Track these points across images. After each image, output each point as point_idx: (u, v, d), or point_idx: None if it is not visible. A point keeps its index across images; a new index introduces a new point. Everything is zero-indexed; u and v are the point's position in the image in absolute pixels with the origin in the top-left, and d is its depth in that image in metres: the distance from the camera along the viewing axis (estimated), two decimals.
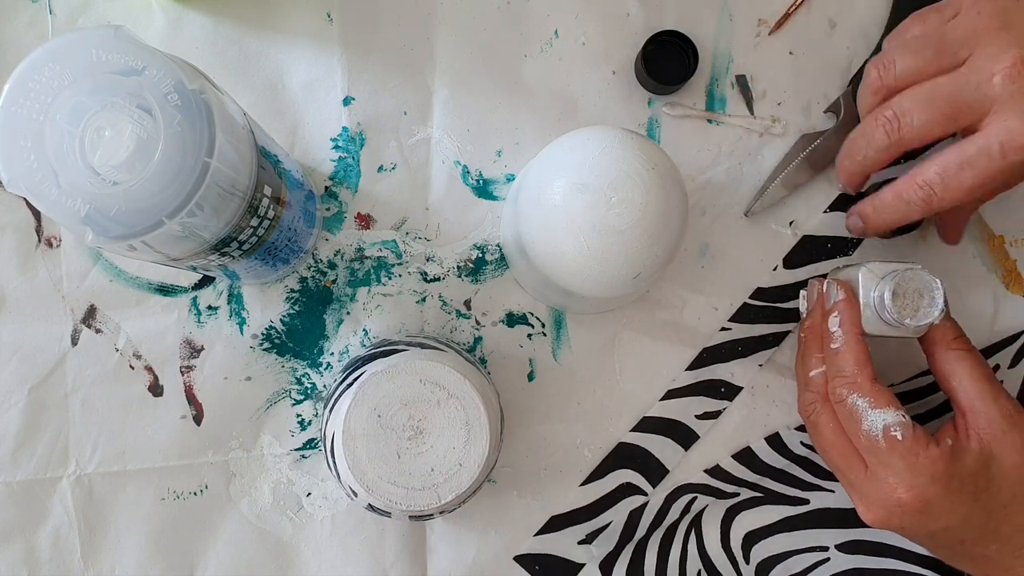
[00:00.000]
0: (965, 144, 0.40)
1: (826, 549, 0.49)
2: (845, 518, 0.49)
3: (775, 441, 0.49)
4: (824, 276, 0.46)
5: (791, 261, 0.50)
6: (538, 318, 0.49)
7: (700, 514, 0.49)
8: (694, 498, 0.48)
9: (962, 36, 0.40)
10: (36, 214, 0.47)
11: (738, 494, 0.49)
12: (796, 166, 0.49)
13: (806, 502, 0.49)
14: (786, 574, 0.48)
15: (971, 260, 0.50)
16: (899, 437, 0.39)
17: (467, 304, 0.49)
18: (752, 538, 0.49)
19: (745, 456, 0.49)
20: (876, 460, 0.40)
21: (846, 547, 0.49)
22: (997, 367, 0.50)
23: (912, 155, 0.47)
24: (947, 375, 0.42)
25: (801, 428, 0.49)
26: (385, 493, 0.38)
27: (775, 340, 0.49)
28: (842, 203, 0.50)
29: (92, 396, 0.47)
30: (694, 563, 0.48)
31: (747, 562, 0.48)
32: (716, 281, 0.50)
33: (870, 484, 0.41)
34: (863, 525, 0.48)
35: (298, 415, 0.48)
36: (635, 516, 0.48)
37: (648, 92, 0.49)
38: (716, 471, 0.49)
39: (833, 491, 0.49)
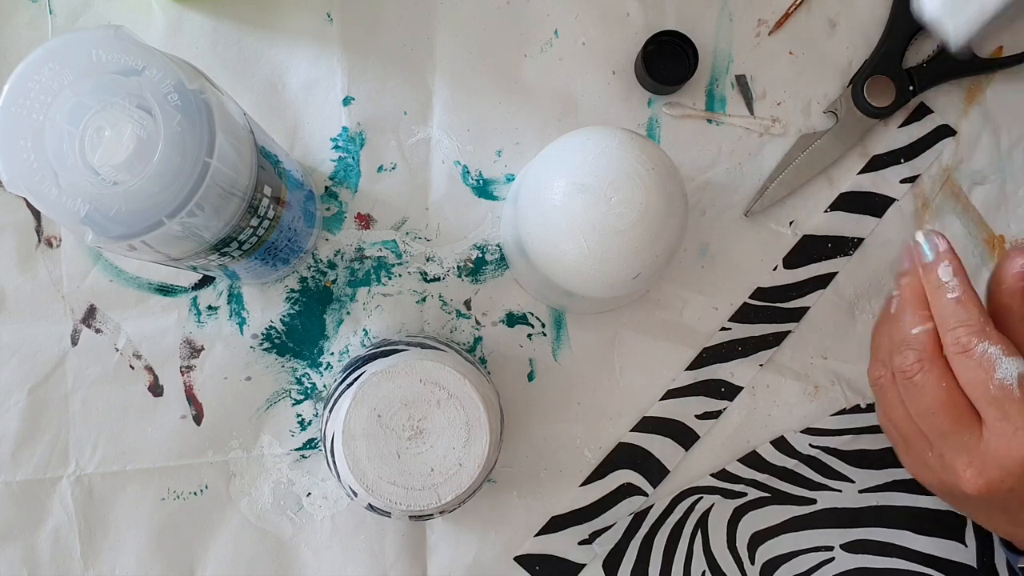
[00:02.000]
0: None
1: (831, 549, 0.49)
2: (851, 517, 0.49)
3: (782, 444, 0.49)
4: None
5: (791, 261, 0.50)
6: (538, 318, 0.49)
7: (707, 514, 0.48)
8: (699, 498, 0.48)
9: None
10: (36, 214, 0.47)
11: (745, 494, 0.49)
12: (796, 166, 0.49)
13: (813, 502, 0.49)
14: (790, 574, 0.48)
15: (971, 260, 0.50)
16: None
17: (467, 304, 0.49)
18: (758, 538, 0.49)
19: (751, 458, 0.49)
20: (1001, 413, 0.37)
21: (851, 547, 0.49)
22: None
23: None
24: None
25: (807, 431, 0.49)
26: (385, 493, 0.38)
27: (775, 340, 0.49)
28: (842, 203, 0.50)
29: (92, 396, 0.47)
30: (699, 564, 0.48)
31: (752, 562, 0.48)
32: (716, 281, 0.50)
33: (991, 442, 0.37)
34: (869, 524, 0.49)
35: (298, 415, 0.48)
36: (639, 517, 0.48)
37: (648, 92, 0.49)
38: (722, 474, 0.49)
39: (840, 491, 0.49)
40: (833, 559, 0.49)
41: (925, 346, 0.39)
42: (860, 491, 0.49)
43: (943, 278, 0.39)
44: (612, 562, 0.48)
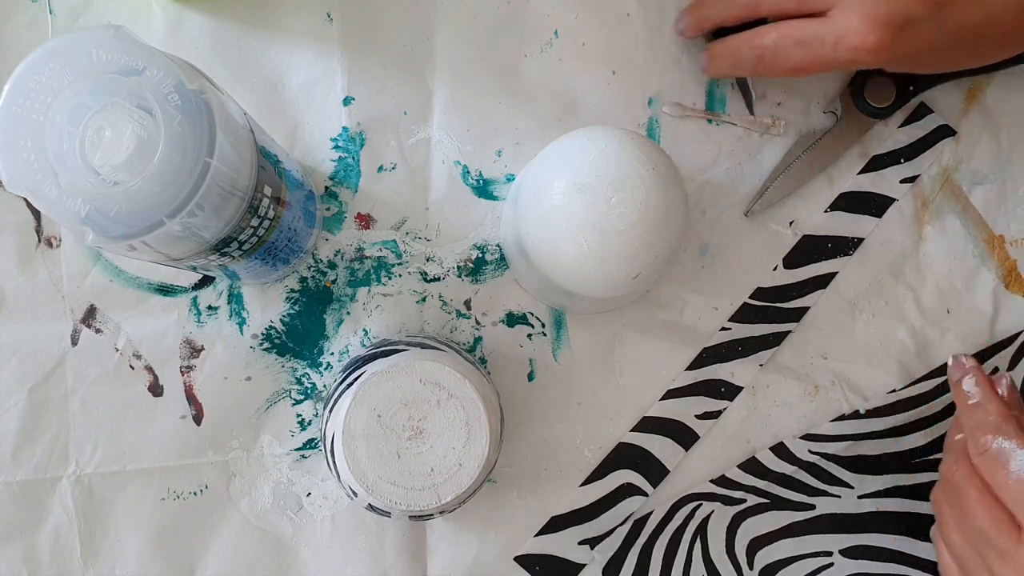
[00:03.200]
0: (806, 24, 0.42)
1: (830, 554, 0.49)
2: (850, 523, 0.49)
3: (781, 450, 0.49)
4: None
5: (791, 261, 0.50)
6: (538, 318, 0.49)
7: (706, 521, 0.48)
8: (699, 505, 0.48)
9: None
10: (36, 214, 0.47)
11: (744, 500, 0.49)
12: (796, 166, 0.49)
13: (812, 508, 0.49)
14: None
15: (971, 260, 0.50)
16: None
17: (467, 304, 0.49)
18: (756, 544, 0.49)
19: (751, 464, 0.49)
20: None
21: (850, 552, 0.49)
22: (996, 369, 0.50)
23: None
24: None
25: (806, 437, 0.49)
26: (385, 493, 0.38)
27: (775, 340, 0.49)
28: (842, 203, 0.50)
29: (92, 396, 0.47)
30: (698, 569, 0.48)
31: (751, 568, 0.48)
32: (716, 281, 0.50)
33: None
34: (868, 530, 0.48)
35: (298, 415, 0.48)
36: (639, 524, 0.48)
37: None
38: (722, 480, 0.49)
39: (839, 496, 0.49)
40: (832, 564, 0.49)
41: (962, 448, 0.41)
42: (859, 497, 0.49)
43: (966, 388, 0.42)
44: (612, 569, 0.48)
